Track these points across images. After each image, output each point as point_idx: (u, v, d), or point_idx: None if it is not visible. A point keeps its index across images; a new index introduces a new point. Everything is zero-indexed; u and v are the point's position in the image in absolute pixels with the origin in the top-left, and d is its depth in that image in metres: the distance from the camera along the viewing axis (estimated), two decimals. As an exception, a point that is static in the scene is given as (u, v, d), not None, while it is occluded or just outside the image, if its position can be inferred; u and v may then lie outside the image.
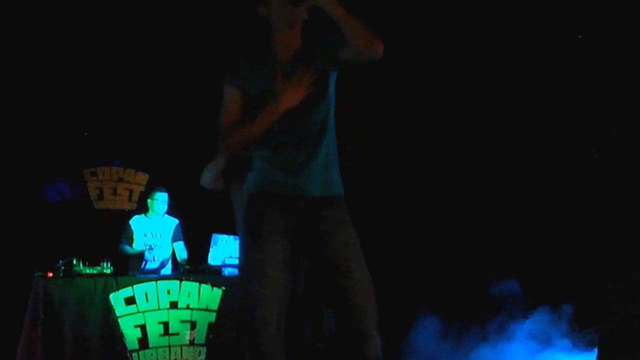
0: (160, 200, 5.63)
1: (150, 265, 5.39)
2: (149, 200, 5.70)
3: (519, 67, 5.27)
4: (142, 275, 4.95)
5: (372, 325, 2.29)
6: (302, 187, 2.39)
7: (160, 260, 5.49)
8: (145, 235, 5.57)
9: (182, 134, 6.32)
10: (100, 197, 6.55)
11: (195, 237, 5.62)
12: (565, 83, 5.10)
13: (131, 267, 5.08)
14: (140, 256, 5.32)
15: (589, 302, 4.71)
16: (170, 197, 5.72)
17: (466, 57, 5.48)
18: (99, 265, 4.81)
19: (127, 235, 5.57)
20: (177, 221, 5.72)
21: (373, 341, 2.29)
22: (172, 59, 6.02)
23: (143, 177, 6.54)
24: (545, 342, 4.71)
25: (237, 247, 5.18)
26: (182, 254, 5.66)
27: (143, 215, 5.69)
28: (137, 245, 5.54)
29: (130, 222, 5.62)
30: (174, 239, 5.68)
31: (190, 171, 6.48)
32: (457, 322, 5.07)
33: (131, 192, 6.50)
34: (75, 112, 6.23)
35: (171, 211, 5.76)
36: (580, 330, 4.75)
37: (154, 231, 5.61)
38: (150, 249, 5.47)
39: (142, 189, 6.59)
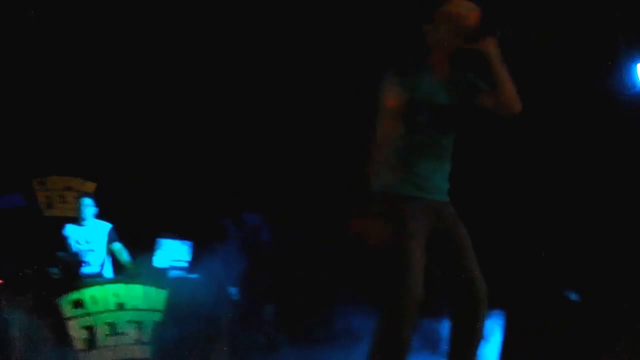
0: (84, 204, 5.70)
1: (88, 269, 5.48)
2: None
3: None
4: (90, 280, 5.16)
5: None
6: (432, 193, 2.82)
7: (99, 265, 5.61)
8: (78, 243, 5.63)
9: (127, 141, 6.51)
10: (50, 205, 6.78)
11: (140, 241, 5.77)
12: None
13: (72, 272, 5.24)
14: (76, 259, 5.40)
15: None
16: (101, 204, 5.78)
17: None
18: (47, 270, 5.06)
19: (62, 243, 5.60)
20: (110, 225, 5.80)
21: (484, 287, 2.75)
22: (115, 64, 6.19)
23: (91, 185, 6.74)
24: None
25: (183, 250, 5.49)
26: (123, 255, 5.76)
27: (75, 224, 5.73)
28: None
29: (64, 230, 5.68)
30: (110, 242, 5.76)
31: (135, 178, 6.81)
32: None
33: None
34: (22, 123, 6.41)
35: (106, 217, 5.82)
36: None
37: (87, 238, 5.66)
38: (84, 255, 5.54)
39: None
